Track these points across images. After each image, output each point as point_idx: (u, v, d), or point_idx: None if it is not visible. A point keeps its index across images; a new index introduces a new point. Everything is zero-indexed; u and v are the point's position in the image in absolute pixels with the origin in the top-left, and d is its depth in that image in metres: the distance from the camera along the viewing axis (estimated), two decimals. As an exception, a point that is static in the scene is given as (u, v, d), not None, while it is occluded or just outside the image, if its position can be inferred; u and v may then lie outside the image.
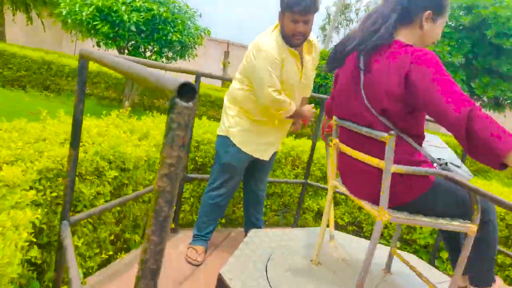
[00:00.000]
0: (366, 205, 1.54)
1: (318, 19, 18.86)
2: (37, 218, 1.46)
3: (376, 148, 1.45)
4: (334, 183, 1.78)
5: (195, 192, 2.76)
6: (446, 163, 1.52)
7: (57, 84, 8.19)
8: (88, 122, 2.14)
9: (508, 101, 11.76)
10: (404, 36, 1.48)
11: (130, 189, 2.13)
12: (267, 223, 3.12)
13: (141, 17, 5.87)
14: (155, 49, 6.51)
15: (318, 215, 3.20)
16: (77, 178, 1.75)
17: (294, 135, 3.46)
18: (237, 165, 2.21)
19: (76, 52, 14.29)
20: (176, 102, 0.59)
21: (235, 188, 2.31)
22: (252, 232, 2.19)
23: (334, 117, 1.72)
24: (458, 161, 1.59)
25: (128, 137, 2.22)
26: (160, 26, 6.11)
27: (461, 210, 1.51)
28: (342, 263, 1.99)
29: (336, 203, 3.17)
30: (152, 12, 5.90)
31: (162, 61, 6.70)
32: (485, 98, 11.98)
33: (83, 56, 1.37)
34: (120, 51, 6.50)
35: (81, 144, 1.85)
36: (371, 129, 1.45)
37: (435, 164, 1.53)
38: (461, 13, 11.79)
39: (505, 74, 11.42)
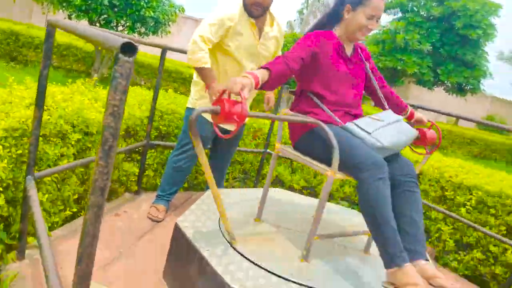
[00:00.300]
0: None
1: (297, 3, 19.00)
2: (3, 171, 1.62)
3: None
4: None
5: (158, 158, 2.94)
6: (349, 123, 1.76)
7: (24, 55, 8.05)
8: (54, 89, 2.26)
9: (470, 87, 12.36)
10: (338, 30, 1.86)
11: (94, 152, 2.28)
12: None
13: (114, -9, 5.86)
14: (128, 24, 6.50)
15: (276, 180, 3.45)
16: (41, 139, 1.90)
17: (257, 109, 3.66)
18: (202, 134, 2.38)
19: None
20: (119, 57, 0.76)
21: (197, 157, 2.50)
22: (209, 191, 2.39)
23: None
24: (379, 132, 1.70)
25: (92, 104, 2.36)
26: (133, 1, 6.11)
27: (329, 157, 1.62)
28: (284, 217, 2.21)
29: (293, 170, 3.44)
30: (141, -12, 5.90)
31: (134, 36, 6.71)
32: (449, 84, 12.55)
33: (51, 24, 1.51)
34: (92, 24, 6.46)
35: (45, 108, 1.98)
36: None
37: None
38: (433, 5, 12.18)
39: (469, 62, 11.96)
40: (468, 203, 2.68)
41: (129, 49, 0.77)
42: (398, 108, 2.05)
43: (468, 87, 12.44)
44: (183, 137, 2.47)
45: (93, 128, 2.22)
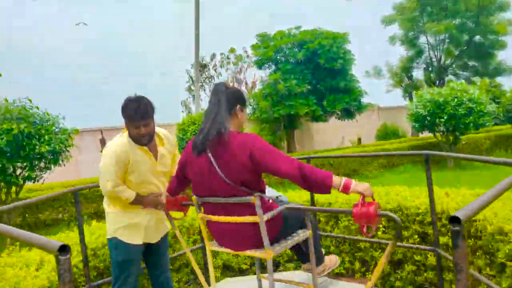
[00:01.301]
0: (252, 252, 2.07)
1: (182, 81, 20.01)
2: None
3: (247, 209, 2.01)
4: (212, 247, 2.27)
5: (106, 296, 2.96)
6: (277, 197, 2.26)
7: None
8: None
9: (355, 108, 14.09)
10: (232, 125, 2.10)
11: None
12: (182, 295, 3.43)
13: (2, 139, 5.78)
14: (26, 164, 6.35)
15: (224, 268, 3.62)
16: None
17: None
18: (131, 259, 2.50)
19: None
20: (59, 258, 1.02)
21: (137, 280, 2.59)
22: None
23: (195, 196, 2.21)
24: (278, 194, 2.35)
25: (26, 271, 2.40)
26: (24, 142, 6.05)
27: (299, 225, 2.34)
28: None
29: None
30: (12, 133, 5.84)
31: (36, 174, 6.54)
32: (338, 112, 14.10)
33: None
34: (-15, 179, 6.20)
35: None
36: (237, 197, 2.02)
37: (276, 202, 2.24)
38: (295, 50, 13.94)
39: (344, 89, 13.72)
40: (380, 225, 3.16)
41: (64, 248, 1.06)
42: None
43: (353, 109, 14.12)
44: (117, 269, 2.50)
45: (35, 297, 2.25)
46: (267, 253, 1.98)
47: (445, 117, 10.23)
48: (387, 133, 19.60)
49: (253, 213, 1.98)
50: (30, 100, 6.71)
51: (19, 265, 2.51)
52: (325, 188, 1.88)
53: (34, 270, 2.47)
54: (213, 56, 18.90)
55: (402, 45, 22.40)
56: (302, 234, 2.28)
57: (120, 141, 2.45)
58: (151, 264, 2.75)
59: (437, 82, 20.73)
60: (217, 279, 3.53)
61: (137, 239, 2.53)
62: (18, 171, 6.43)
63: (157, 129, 2.63)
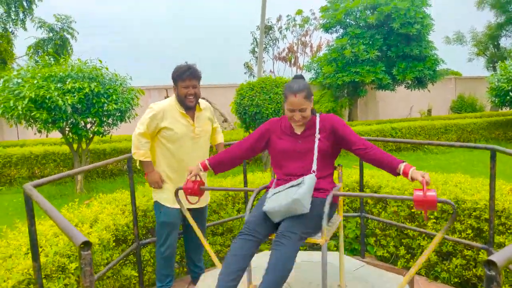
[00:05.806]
0: None
1: (246, 44, 19.85)
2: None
3: None
4: None
5: (153, 253, 3.18)
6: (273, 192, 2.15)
7: (7, 175, 8.28)
8: (43, 227, 2.54)
9: (428, 77, 13.01)
10: None
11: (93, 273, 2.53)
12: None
13: (74, 97, 6.24)
14: (95, 120, 6.85)
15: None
16: (44, 281, 2.14)
17: (230, 176, 3.96)
18: (171, 221, 2.75)
19: (19, 137, 14.27)
20: (81, 253, 1.07)
21: (176, 239, 2.83)
22: (203, 276, 2.65)
23: None
24: (271, 197, 2.07)
25: (80, 228, 2.63)
26: (94, 100, 6.48)
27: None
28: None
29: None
30: (84, 91, 6.27)
31: (104, 129, 7.04)
32: (408, 81, 13.17)
33: (28, 195, 1.82)
34: (62, 132, 6.80)
35: (40, 249, 2.25)
36: None
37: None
38: (367, 13, 13.01)
39: (418, 56, 12.66)
40: (432, 216, 2.96)
41: (86, 243, 1.12)
42: (389, 167, 2.04)
43: (426, 78, 13.08)
44: (159, 229, 2.80)
45: (87, 252, 2.47)
46: None
47: (531, 94, 9.14)
48: (463, 106, 18.09)
49: None
50: (101, 61, 7.12)
51: (75, 221, 2.75)
52: None
53: (88, 227, 2.69)
54: (279, 18, 18.37)
55: (492, 9, 19.93)
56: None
57: (163, 102, 2.70)
58: (188, 228, 2.91)
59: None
60: (260, 248, 3.62)
61: (176, 204, 2.69)
62: (88, 126, 6.97)
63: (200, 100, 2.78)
